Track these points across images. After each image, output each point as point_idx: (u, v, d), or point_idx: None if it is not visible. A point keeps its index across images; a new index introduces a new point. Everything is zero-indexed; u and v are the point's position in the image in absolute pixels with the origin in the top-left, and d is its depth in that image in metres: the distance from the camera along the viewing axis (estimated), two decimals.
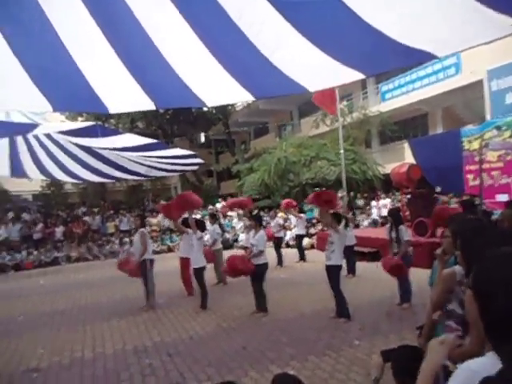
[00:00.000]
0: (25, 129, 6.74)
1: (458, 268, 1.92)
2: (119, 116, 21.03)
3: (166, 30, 3.36)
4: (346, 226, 6.27)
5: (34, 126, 6.63)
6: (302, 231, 10.87)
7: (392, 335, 4.48)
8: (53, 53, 3.40)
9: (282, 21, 2.95)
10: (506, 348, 1.00)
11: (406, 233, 5.65)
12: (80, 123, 12.01)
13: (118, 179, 11.82)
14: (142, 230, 6.84)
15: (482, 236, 1.60)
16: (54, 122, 10.17)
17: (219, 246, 8.22)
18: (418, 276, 6.68)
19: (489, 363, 1.02)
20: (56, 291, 8.97)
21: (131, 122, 22.82)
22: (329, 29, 2.99)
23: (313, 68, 3.46)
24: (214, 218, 8.64)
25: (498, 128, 11.60)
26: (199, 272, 6.30)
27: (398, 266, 5.44)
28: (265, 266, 5.70)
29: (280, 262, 9.70)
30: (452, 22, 2.60)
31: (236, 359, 4.16)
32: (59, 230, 15.81)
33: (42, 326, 6.07)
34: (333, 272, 5.26)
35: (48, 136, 7.66)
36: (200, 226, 6.74)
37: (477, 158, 11.86)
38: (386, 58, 3.17)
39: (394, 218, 5.95)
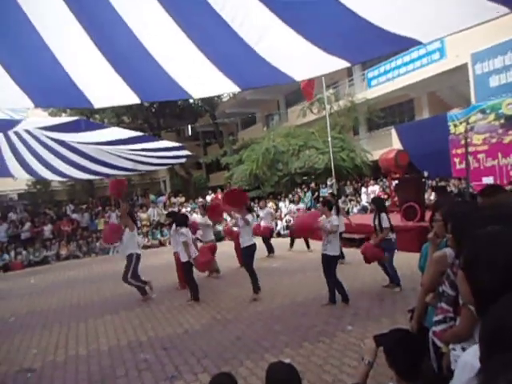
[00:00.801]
0: (7, 125, 6.59)
1: (448, 250, 1.95)
2: (104, 111, 20.70)
3: (149, 22, 3.30)
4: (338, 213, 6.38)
5: (16, 122, 6.48)
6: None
7: (384, 319, 4.55)
8: (32, 48, 3.31)
9: (266, 11, 2.92)
10: None
11: (386, 220, 5.75)
12: (64, 118, 11.78)
13: (105, 175, 11.68)
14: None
15: (471, 219, 1.62)
16: (36, 118, 9.97)
17: (211, 237, 8.15)
18: (408, 260, 6.79)
19: None
20: (47, 290, 8.89)
21: (117, 116, 22.47)
22: (313, 18, 2.97)
23: (299, 57, 3.45)
24: (205, 209, 8.56)
25: (483, 111, 11.75)
26: (186, 266, 6.32)
27: (373, 253, 5.56)
28: (254, 246, 6.22)
29: (271, 251, 9.71)
30: (436, 8, 2.59)
31: (231, 350, 4.18)
32: (48, 229, 15.61)
33: (34, 325, 6.01)
34: (328, 261, 5.35)
35: (30, 134, 7.48)
36: (182, 220, 6.76)
37: (463, 142, 12.01)
38: (371, 45, 3.16)
39: (377, 205, 6.09)
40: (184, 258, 6.33)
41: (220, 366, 3.77)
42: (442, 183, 11.95)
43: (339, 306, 5.25)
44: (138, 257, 6.72)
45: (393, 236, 5.87)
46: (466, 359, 1.10)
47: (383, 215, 5.79)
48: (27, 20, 3.04)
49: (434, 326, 1.90)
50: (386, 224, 5.69)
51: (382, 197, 13.91)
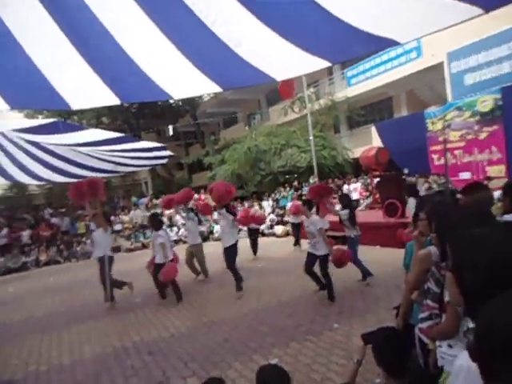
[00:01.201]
0: None
1: (433, 248, 1.99)
2: (82, 112, 20.28)
3: (127, 23, 3.25)
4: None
5: None
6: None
7: (369, 316, 4.62)
8: (6, 48, 3.21)
9: (246, 13, 2.92)
10: None
11: (345, 215, 6.10)
12: (40, 120, 11.46)
13: (83, 178, 11.43)
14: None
15: (454, 218, 1.65)
16: (12, 120, 9.67)
17: (198, 240, 7.87)
18: (390, 256, 6.92)
19: None
20: (27, 298, 8.64)
21: (96, 117, 22.06)
22: (292, 19, 2.99)
23: (279, 58, 3.47)
24: (191, 210, 8.28)
25: (459, 109, 12.04)
26: (159, 268, 6.29)
27: (340, 260, 5.64)
28: (236, 246, 6.41)
29: (255, 251, 9.70)
30: (412, 9, 2.65)
31: (219, 352, 4.16)
32: (26, 234, 15.19)
33: (14, 335, 5.83)
34: (321, 261, 5.50)
35: (5, 136, 7.25)
36: (158, 224, 6.74)
37: (441, 138, 12.30)
38: (350, 45, 3.21)
39: (343, 203, 6.51)
40: (159, 260, 6.33)
41: (208, 370, 3.75)
42: (412, 179, 12.14)
43: (324, 304, 5.30)
44: (111, 259, 6.58)
45: (352, 233, 6.09)
46: (461, 363, 1.13)
47: (344, 211, 6.13)
48: (0, 20, 2.95)
49: (420, 322, 1.94)
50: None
51: (364, 193, 14.14)
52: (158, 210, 16.90)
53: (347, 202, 6.49)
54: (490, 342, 0.85)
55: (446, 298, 1.64)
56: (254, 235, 9.73)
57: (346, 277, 6.59)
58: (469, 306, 1.10)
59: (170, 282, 6.34)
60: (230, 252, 6.34)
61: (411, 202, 7.19)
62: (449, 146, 12.23)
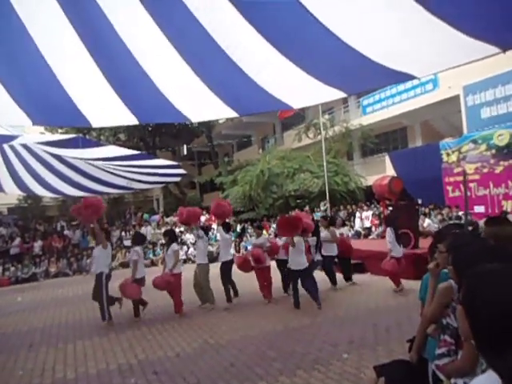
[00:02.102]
0: (4, 140, 6.59)
1: (453, 282, 1.96)
2: (101, 128, 20.79)
3: (149, 47, 3.38)
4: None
5: (12, 137, 6.48)
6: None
7: (380, 347, 4.51)
8: (33, 67, 3.36)
9: (265, 43, 3.02)
10: (499, 363, 1.01)
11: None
12: (60, 135, 11.83)
13: (99, 193, 11.65)
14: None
15: (472, 251, 1.64)
16: (32, 134, 9.98)
17: (205, 260, 7.27)
18: (404, 287, 6.80)
19: (488, 382, 1.04)
20: (35, 308, 8.67)
21: (114, 134, 22.59)
22: (311, 51, 3.09)
23: (296, 87, 3.57)
24: (202, 228, 7.77)
25: (475, 142, 12.05)
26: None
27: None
28: (231, 262, 7.31)
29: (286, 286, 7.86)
30: (431, 45, 2.72)
31: (224, 376, 4.09)
32: (38, 245, 15.35)
33: (20, 345, 5.83)
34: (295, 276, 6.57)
35: (26, 147, 7.49)
36: (139, 239, 7.14)
37: (455, 170, 12.21)
38: (367, 78, 3.29)
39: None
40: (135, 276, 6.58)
41: None
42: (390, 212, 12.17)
43: (334, 333, 5.20)
44: (108, 276, 6.51)
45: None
46: None
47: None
48: (29, 39, 3.09)
49: (438, 359, 1.89)
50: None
51: (375, 222, 14.00)
52: (168, 228, 17.01)
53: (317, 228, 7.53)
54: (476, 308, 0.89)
55: (462, 335, 1.61)
56: (282, 266, 7.56)
57: (358, 306, 6.49)
58: (479, 342, 1.07)
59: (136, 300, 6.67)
60: (226, 266, 7.09)
61: (389, 232, 7.60)
62: (463, 178, 12.15)
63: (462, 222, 7.65)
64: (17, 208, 23.83)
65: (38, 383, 4.36)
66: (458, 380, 1.69)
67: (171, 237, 7.01)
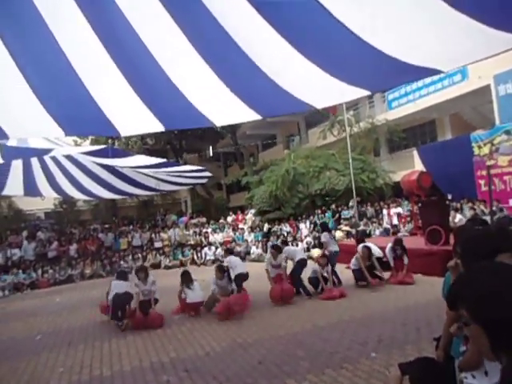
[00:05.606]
0: (38, 153, 6.94)
1: None
2: None
3: (174, 53, 3.49)
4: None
5: (47, 150, 6.80)
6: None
7: (409, 346, 4.45)
8: (65, 79, 3.54)
9: (286, 45, 3.05)
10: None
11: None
12: (90, 147, 12.41)
13: (129, 194, 12.03)
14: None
15: (478, 245, 1.63)
16: (65, 142, 10.49)
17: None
18: (432, 284, 6.65)
19: None
20: (72, 308, 9.07)
21: (141, 138, 23.19)
22: (332, 51, 3.10)
23: (319, 88, 3.57)
24: (221, 271, 7.08)
25: (508, 133, 11.57)
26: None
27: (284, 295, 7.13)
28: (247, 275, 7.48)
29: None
30: (455, 39, 2.67)
31: (252, 374, 4.16)
32: (73, 248, 16.01)
33: (60, 344, 6.14)
34: None
35: (67, 156, 7.95)
36: (122, 276, 7.32)
37: (488, 163, 11.76)
38: (390, 76, 3.27)
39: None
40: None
41: None
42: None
43: (361, 332, 5.17)
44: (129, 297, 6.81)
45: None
46: None
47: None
48: (62, 53, 3.27)
49: (462, 356, 1.89)
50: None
51: (405, 219, 13.70)
52: (197, 230, 17.31)
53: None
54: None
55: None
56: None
57: (387, 304, 6.41)
58: (495, 346, 1.08)
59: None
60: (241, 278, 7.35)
61: (324, 236, 8.41)
62: (498, 171, 11.69)
63: (505, 214, 7.39)
64: (53, 213, 24.93)
65: (77, 380, 4.59)
66: (467, 373, 1.71)
67: (117, 275, 7.37)
